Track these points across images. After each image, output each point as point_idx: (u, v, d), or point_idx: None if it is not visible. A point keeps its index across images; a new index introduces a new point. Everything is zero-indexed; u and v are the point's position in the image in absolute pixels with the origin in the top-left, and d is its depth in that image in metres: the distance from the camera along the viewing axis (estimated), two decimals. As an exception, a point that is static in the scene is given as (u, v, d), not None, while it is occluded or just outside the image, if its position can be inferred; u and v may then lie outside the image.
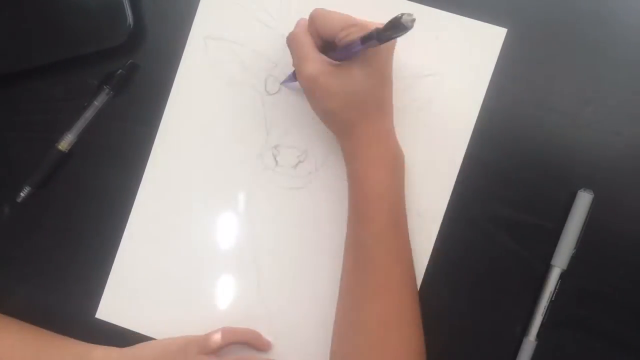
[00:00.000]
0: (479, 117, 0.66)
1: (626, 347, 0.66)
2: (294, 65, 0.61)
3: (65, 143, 0.68)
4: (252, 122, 0.68)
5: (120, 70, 0.68)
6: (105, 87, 0.68)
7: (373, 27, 0.53)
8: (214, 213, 0.68)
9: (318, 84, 0.58)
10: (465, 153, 0.66)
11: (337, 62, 0.58)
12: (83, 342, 0.67)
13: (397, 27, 0.49)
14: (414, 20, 0.48)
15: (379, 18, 0.65)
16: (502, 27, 0.65)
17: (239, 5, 0.67)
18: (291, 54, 0.61)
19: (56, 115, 0.69)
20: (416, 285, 0.61)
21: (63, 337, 0.68)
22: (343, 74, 0.57)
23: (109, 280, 0.68)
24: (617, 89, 0.66)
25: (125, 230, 0.68)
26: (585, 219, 0.65)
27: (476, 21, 0.66)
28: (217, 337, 0.65)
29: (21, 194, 0.68)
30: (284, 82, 0.67)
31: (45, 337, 0.67)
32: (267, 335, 0.67)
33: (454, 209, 0.66)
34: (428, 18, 0.66)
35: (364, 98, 0.58)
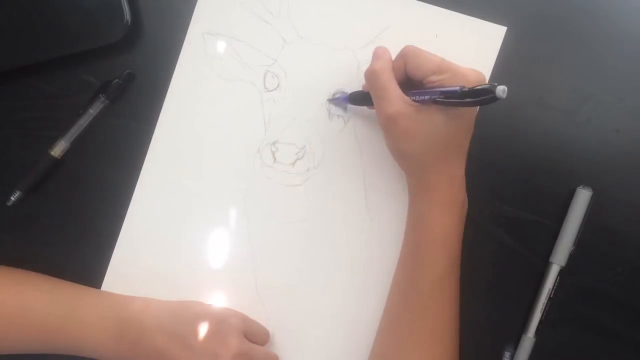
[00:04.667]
0: (478, 114, 0.66)
1: (625, 344, 0.66)
2: (373, 100, 0.59)
3: (58, 150, 0.68)
4: (250, 118, 0.68)
5: (116, 80, 0.67)
6: (101, 95, 0.68)
7: (471, 75, 0.54)
8: (212, 210, 0.68)
9: (398, 125, 0.57)
10: (465, 150, 0.66)
11: (418, 104, 0.56)
12: (119, 294, 0.67)
13: (486, 95, 0.49)
14: (505, 91, 0.47)
15: (377, 16, 0.66)
16: (502, 25, 0.65)
17: (237, 1, 0.67)
18: (369, 87, 0.59)
19: (52, 113, 0.68)
20: (458, 333, 0.61)
21: (98, 291, 0.67)
22: (425, 117, 0.56)
23: (105, 279, 0.68)
24: (616, 86, 0.66)
25: (122, 229, 0.68)
26: (584, 216, 0.65)
27: (476, 19, 0.65)
28: (263, 334, 0.66)
29: (12, 197, 0.68)
30: (331, 100, 0.67)
31: (79, 291, 0.66)
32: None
33: (453, 206, 0.66)
34: (428, 16, 0.66)
35: (443, 144, 0.57)
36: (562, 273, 0.65)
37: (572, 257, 0.65)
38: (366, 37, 0.66)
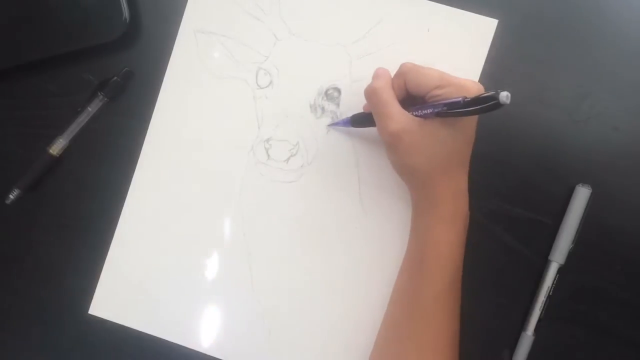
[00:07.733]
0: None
1: (623, 342, 0.65)
2: (375, 119, 0.59)
3: (56, 148, 0.68)
4: (243, 115, 0.68)
5: (115, 78, 0.68)
6: (99, 93, 0.68)
7: (472, 86, 0.54)
8: (206, 207, 0.68)
9: (403, 142, 0.57)
10: (460, 147, 0.65)
11: (420, 118, 0.56)
12: None
13: (490, 102, 0.49)
14: (509, 97, 0.48)
15: (368, 11, 0.66)
16: (493, 18, 0.65)
17: (229, -2, 0.68)
18: (370, 106, 0.60)
19: (51, 111, 0.69)
20: (459, 345, 0.61)
21: None
22: (428, 132, 0.56)
23: (101, 276, 0.69)
24: (615, 83, 0.65)
25: (117, 226, 0.69)
26: (583, 214, 0.64)
27: (467, 12, 0.65)
28: None
29: (10, 196, 0.69)
30: (332, 125, 0.67)
31: None
32: (260, 330, 0.67)
33: (450, 204, 0.66)
34: (419, 10, 0.65)
35: (448, 157, 0.58)
36: (561, 271, 0.64)
37: (571, 255, 0.64)
38: (358, 33, 0.66)
